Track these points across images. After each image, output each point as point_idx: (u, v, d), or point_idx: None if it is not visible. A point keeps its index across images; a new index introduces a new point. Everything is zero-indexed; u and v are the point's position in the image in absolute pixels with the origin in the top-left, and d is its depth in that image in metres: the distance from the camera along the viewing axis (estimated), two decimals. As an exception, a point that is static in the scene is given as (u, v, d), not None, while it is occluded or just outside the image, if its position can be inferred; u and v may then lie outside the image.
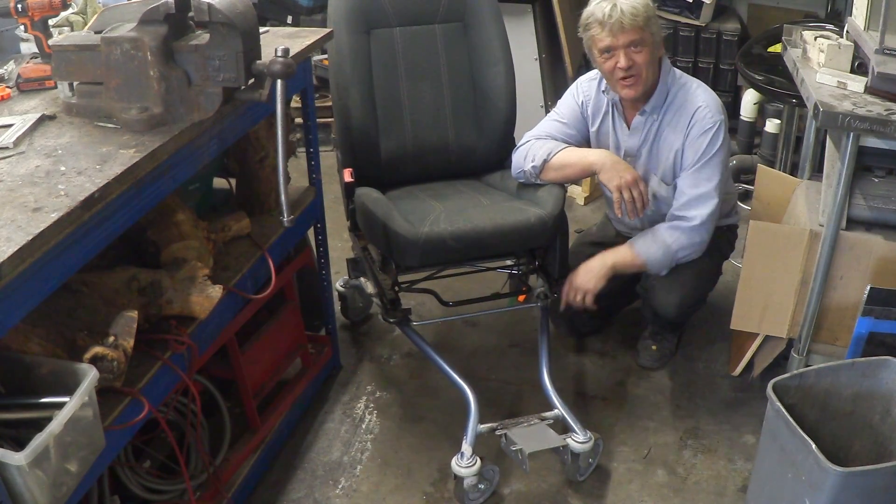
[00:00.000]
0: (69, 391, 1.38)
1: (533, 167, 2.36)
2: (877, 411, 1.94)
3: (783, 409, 1.79)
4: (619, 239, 2.55)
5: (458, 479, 2.11)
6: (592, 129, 2.45)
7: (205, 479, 2.03)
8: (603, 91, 2.39)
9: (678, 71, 2.35)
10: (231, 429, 2.17)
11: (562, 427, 2.21)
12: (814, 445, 1.68)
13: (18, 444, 1.31)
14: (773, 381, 1.86)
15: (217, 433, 2.15)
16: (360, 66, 2.50)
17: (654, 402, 2.55)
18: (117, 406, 1.56)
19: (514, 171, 2.45)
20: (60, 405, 1.35)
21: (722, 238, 2.53)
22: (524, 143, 2.45)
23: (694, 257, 2.35)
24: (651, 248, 2.34)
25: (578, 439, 2.15)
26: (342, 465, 2.32)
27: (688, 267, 2.38)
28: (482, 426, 2.17)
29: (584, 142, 2.47)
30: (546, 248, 2.43)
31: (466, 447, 2.11)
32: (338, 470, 2.31)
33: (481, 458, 2.11)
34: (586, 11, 2.23)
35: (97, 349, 1.51)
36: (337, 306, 2.83)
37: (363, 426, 2.47)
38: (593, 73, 2.45)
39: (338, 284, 2.89)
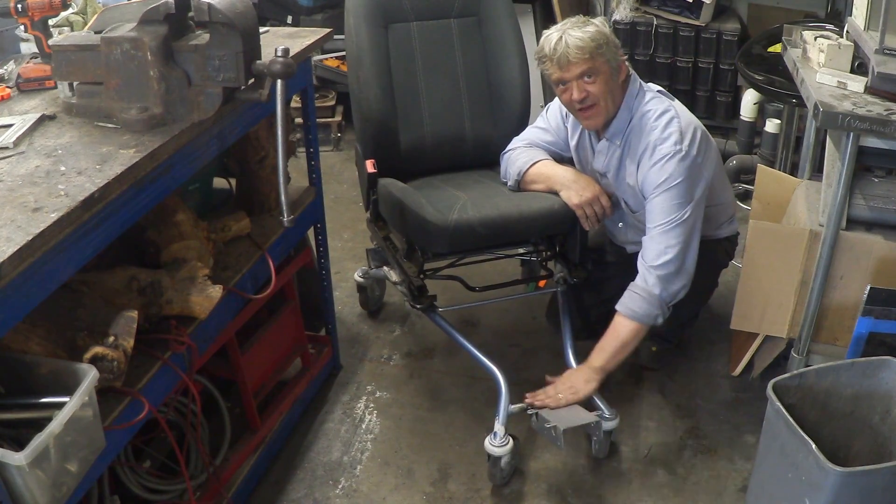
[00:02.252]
0: (69, 391, 1.38)
1: (515, 181, 2.42)
2: (877, 411, 1.94)
3: (783, 409, 1.79)
4: (613, 247, 2.56)
5: (493, 459, 2.16)
6: (572, 143, 2.44)
7: (205, 479, 2.03)
8: None
9: (651, 92, 2.24)
10: (231, 429, 2.17)
11: (588, 406, 2.24)
12: (814, 445, 1.68)
13: (18, 444, 1.31)
14: (773, 381, 1.87)
15: (217, 433, 2.15)
16: (379, 60, 2.54)
17: (654, 402, 2.55)
18: (117, 406, 1.56)
19: (502, 177, 2.50)
20: (60, 405, 1.35)
21: (718, 250, 2.46)
22: (509, 151, 2.48)
23: (686, 291, 2.24)
24: (635, 303, 2.19)
25: (606, 416, 2.23)
26: (342, 465, 2.32)
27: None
28: (513, 406, 2.21)
29: (568, 150, 2.47)
30: (566, 235, 2.45)
31: (499, 427, 2.17)
32: (338, 470, 2.31)
33: (513, 437, 2.17)
34: (538, 46, 2.18)
35: (97, 349, 1.51)
36: (339, 306, 2.85)
37: (363, 426, 2.47)
38: None
39: (356, 275, 2.93)
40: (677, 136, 2.14)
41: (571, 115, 2.40)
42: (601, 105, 2.17)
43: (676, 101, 2.26)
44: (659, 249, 2.17)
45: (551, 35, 2.14)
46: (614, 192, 2.36)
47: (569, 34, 2.10)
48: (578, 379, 2.21)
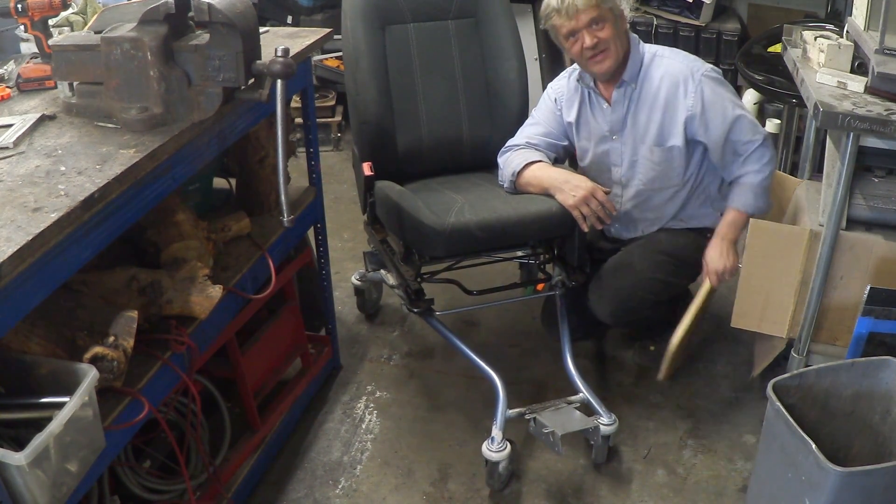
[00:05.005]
0: (69, 391, 1.38)
1: (510, 182, 2.42)
2: (877, 411, 1.94)
3: (783, 409, 1.79)
4: (606, 244, 2.56)
5: (491, 464, 2.16)
6: (569, 121, 2.44)
7: (205, 479, 2.03)
8: (577, 80, 2.40)
9: (645, 44, 2.36)
10: (231, 429, 2.17)
11: (587, 410, 2.25)
12: (814, 445, 1.68)
13: (18, 444, 1.31)
14: (773, 381, 1.87)
15: (217, 433, 2.15)
16: (376, 62, 2.53)
17: (654, 402, 2.55)
18: (117, 406, 1.56)
19: (499, 181, 2.49)
20: (60, 405, 1.35)
21: (694, 243, 2.46)
22: (504, 153, 2.48)
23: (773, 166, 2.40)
24: (743, 198, 2.37)
25: (604, 421, 2.22)
26: (342, 465, 2.32)
27: (623, 276, 2.35)
28: (511, 411, 2.21)
29: (563, 138, 2.48)
30: (564, 238, 2.45)
31: (497, 432, 2.17)
32: (338, 470, 2.31)
33: (511, 442, 2.17)
34: (544, 4, 2.26)
35: (97, 349, 1.51)
36: (338, 306, 2.85)
37: (363, 426, 2.47)
38: (563, 73, 2.50)
39: (354, 278, 2.92)
40: (693, 66, 2.29)
41: (564, 97, 2.42)
42: (611, 49, 2.25)
43: None
44: (748, 138, 2.31)
45: None
46: (635, 140, 2.37)
47: None
48: (723, 261, 2.35)
